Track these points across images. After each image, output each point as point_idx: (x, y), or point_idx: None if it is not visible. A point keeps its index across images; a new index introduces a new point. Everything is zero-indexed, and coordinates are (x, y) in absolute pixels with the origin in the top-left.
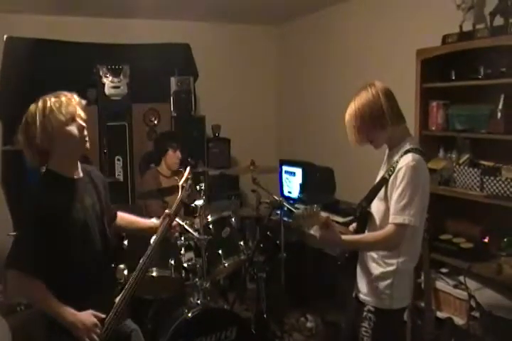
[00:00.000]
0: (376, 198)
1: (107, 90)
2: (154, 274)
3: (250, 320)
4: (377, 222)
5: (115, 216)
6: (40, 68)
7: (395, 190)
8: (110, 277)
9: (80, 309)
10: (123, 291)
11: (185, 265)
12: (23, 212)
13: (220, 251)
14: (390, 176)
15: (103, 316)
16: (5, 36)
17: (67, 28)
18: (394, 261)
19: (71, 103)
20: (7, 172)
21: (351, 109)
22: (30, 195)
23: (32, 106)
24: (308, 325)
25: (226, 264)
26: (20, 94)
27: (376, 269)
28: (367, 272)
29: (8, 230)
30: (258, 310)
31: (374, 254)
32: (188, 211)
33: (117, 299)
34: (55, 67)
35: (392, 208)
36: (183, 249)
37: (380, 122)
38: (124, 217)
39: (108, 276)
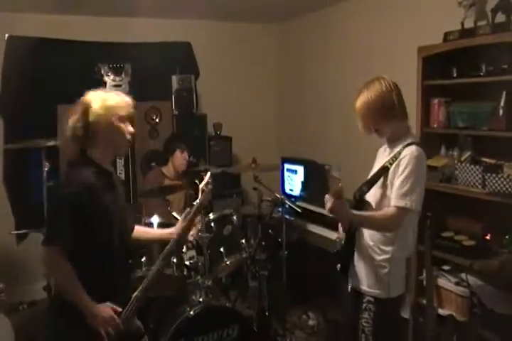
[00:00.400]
0: (374, 185)
1: (109, 89)
2: None
3: (252, 317)
4: (373, 207)
5: (133, 228)
6: (41, 67)
7: (397, 177)
8: (128, 270)
9: (99, 299)
10: (139, 287)
11: (187, 263)
12: (62, 195)
13: (221, 249)
14: (391, 165)
15: (119, 309)
16: (6, 35)
17: (68, 27)
18: (389, 248)
19: (130, 105)
20: (9, 170)
21: (364, 97)
22: (71, 179)
23: (94, 96)
24: (310, 322)
25: (228, 262)
26: (21, 92)
27: (373, 258)
28: (365, 262)
29: (9, 228)
30: (260, 308)
31: (370, 241)
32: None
33: (134, 295)
34: (56, 65)
35: (394, 193)
36: (185, 247)
37: (390, 113)
38: (139, 229)
39: (126, 269)
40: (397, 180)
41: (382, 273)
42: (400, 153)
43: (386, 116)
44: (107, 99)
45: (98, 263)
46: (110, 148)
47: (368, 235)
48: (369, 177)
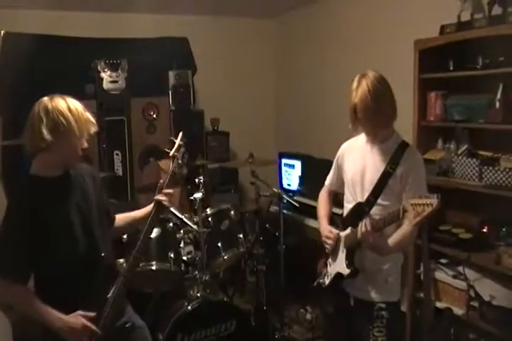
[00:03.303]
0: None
1: (105, 85)
2: (154, 267)
3: (250, 312)
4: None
5: (113, 220)
6: (37, 63)
7: (410, 182)
8: (103, 275)
9: (73, 308)
10: (114, 286)
11: (184, 258)
12: (5, 216)
13: (219, 244)
14: (393, 169)
15: (92, 315)
16: (2, 32)
17: (64, 23)
18: (395, 255)
19: (92, 122)
20: (7, 167)
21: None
22: (12, 199)
23: (60, 102)
24: (308, 316)
25: (225, 257)
26: (18, 89)
27: (380, 269)
28: (371, 274)
29: None
30: (258, 303)
31: (375, 256)
32: (174, 181)
33: (110, 294)
34: (52, 62)
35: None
36: (182, 242)
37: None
38: (119, 217)
39: (100, 275)
40: (411, 185)
41: (390, 278)
42: (397, 155)
43: (391, 117)
44: (81, 112)
45: (62, 276)
46: (54, 159)
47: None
48: (364, 179)
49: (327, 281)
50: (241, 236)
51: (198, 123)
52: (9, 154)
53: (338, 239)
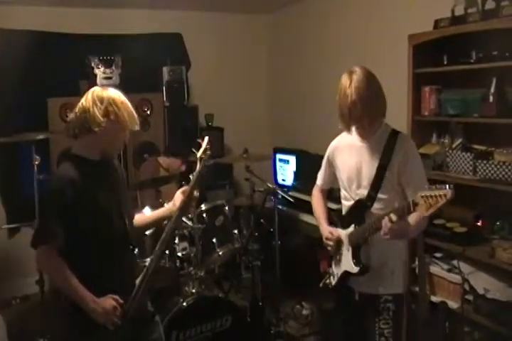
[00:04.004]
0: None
1: (99, 81)
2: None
3: (246, 308)
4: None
5: (133, 217)
6: (31, 60)
7: (408, 173)
8: (131, 259)
9: (102, 290)
10: (142, 273)
11: (179, 254)
12: (48, 192)
13: (214, 240)
14: (388, 160)
15: (122, 301)
16: None
17: (58, 20)
18: (400, 249)
19: (137, 119)
20: (2, 165)
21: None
22: (56, 177)
23: (113, 93)
24: (304, 312)
25: (220, 253)
26: (11, 86)
27: (386, 263)
28: (377, 269)
29: (1, 222)
30: (253, 299)
31: (382, 250)
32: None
33: (137, 281)
34: (46, 58)
35: (416, 183)
36: (177, 238)
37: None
38: (137, 217)
39: (129, 258)
40: (412, 171)
41: (395, 271)
42: (390, 144)
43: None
44: (130, 107)
45: (96, 255)
46: (101, 144)
47: (379, 246)
48: (361, 175)
49: (334, 281)
50: (236, 231)
51: (192, 118)
52: (2, 151)
53: (339, 239)
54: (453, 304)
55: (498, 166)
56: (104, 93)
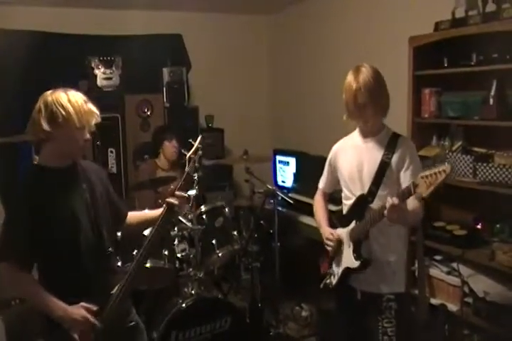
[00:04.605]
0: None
1: (99, 82)
2: (148, 265)
3: (245, 309)
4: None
5: (125, 216)
6: (31, 60)
7: (407, 164)
8: (106, 267)
9: (76, 300)
10: (121, 281)
11: (178, 255)
12: (10, 204)
13: (213, 241)
14: (389, 159)
15: (94, 308)
16: None
17: (58, 20)
18: (400, 246)
19: (93, 114)
20: (1, 165)
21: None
22: (18, 187)
23: (60, 95)
24: (304, 314)
25: (220, 254)
26: (11, 86)
27: (388, 262)
28: (379, 267)
29: (0, 222)
30: (253, 300)
31: (383, 248)
32: (188, 184)
33: (115, 290)
34: (46, 59)
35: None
36: (176, 240)
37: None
38: (133, 214)
39: (104, 267)
40: (409, 169)
41: (397, 270)
42: (391, 145)
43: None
44: (82, 103)
45: (62, 266)
46: (58, 152)
47: (380, 242)
48: (362, 173)
49: (334, 281)
50: (235, 233)
51: (193, 120)
52: (1, 151)
53: (340, 239)
54: (452, 307)
55: (498, 169)
56: (50, 97)
